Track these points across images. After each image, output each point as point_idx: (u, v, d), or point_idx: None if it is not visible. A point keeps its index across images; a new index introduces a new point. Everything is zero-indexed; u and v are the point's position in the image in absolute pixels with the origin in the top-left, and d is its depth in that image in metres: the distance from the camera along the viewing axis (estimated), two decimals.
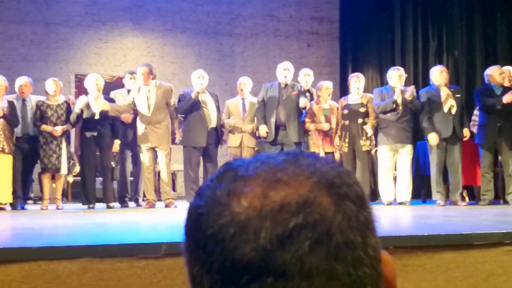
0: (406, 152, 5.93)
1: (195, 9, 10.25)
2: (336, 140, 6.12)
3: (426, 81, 6.80)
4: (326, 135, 6.17)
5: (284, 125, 6.11)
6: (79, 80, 9.40)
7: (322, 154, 5.99)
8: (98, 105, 5.83)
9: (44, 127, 5.88)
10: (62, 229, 3.07)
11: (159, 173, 6.08)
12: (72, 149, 7.52)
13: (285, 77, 6.18)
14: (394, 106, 5.83)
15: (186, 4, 10.21)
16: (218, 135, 6.27)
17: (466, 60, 9.32)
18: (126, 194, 6.28)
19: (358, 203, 0.45)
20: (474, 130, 6.48)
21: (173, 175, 7.69)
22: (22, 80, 6.09)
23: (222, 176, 0.47)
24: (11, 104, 5.78)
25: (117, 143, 6.13)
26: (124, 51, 9.96)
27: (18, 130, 5.92)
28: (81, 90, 8.93)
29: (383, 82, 8.76)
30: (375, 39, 9.90)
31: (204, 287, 0.44)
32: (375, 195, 6.19)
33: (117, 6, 9.91)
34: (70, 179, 8.02)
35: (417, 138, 6.31)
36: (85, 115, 5.99)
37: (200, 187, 0.49)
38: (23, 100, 6.04)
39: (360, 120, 6.03)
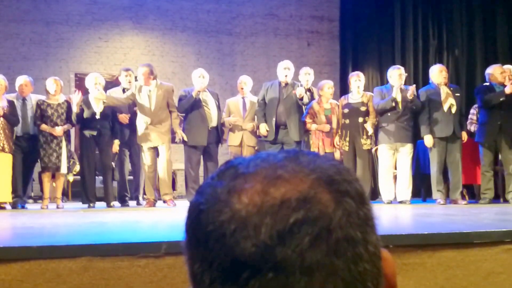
0: (406, 151, 5.93)
1: (195, 8, 10.25)
2: (337, 139, 6.12)
3: (426, 80, 6.79)
4: (327, 135, 6.16)
5: (285, 124, 6.11)
6: (79, 79, 9.41)
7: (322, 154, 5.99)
8: (94, 98, 5.82)
9: (44, 126, 5.88)
10: (62, 228, 3.07)
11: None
12: (72, 148, 7.52)
13: (286, 76, 6.18)
14: (394, 104, 5.83)
15: (186, 3, 10.21)
16: (218, 134, 6.28)
17: (466, 59, 9.32)
18: (126, 194, 6.28)
19: (358, 199, 0.45)
20: (472, 128, 6.49)
21: (173, 174, 7.69)
22: (22, 79, 6.09)
23: (223, 174, 0.47)
24: (11, 103, 5.78)
25: (116, 143, 6.13)
26: (124, 50, 9.96)
27: (18, 129, 5.92)
28: (81, 89, 8.93)
29: (383, 81, 8.76)
30: (375, 38, 9.89)
31: (204, 283, 0.44)
32: (375, 194, 6.20)
33: (117, 5, 9.91)
34: (70, 178, 8.02)
35: (417, 137, 6.31)
36: (85, 115, 5.99)
37: (201, 185, 0.50)
38: (23, 99, 6.04)
39: (360, 119, 6.02)
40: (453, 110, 5.77)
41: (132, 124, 6.21)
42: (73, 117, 5.95)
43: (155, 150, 5.94)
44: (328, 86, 6.18)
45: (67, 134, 6.14)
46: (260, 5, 10.50)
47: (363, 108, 6.06)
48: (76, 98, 5.88)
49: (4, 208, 5.63)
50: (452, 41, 9.53)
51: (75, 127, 6.39)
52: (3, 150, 5.58)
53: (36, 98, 6.11)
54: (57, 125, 5.94)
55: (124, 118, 6.15)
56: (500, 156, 6.08)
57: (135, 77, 6.33)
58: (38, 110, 5.94)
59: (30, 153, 5.99)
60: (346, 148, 6.05)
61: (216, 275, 0.43)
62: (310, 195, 0.43)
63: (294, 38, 10.65)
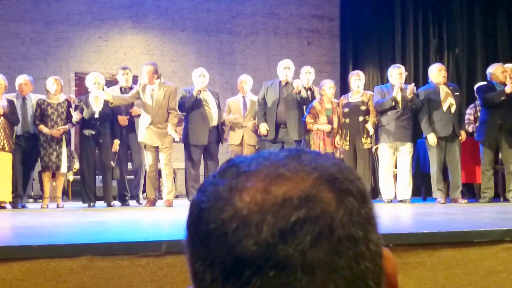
0: (406, 150, 5.93)
1: (195, 7, 10.24)
2: (337, 138, 6.12)
3: (426, 79, 6.79)
4: (327, 135, 6.16)
5: (285, 123, 6.12)
6: (79, 79, 9.41)
7: None
8: (101, 96, 5.84)
9: (42, 127, 5.87)
10: (62, 228, 3.07)
11: (159, 171, 6.06)
12: (73, 148, 7.52)
13: (286, 75, 6.18)
14: (393, 103, 5.83)
15: (186, 2, 10.20)
16: (219, 133, 6.27)
17: (467, 58, 9.32)
18: (126, 193, 6.28)
19: (359, 198, 0.45)
20: (470, 129, 6.50)
21: (174, 173, 7.69)
22: (22, 79, 6.09)
23: (225, 172, 0.47)
24: (11, 102, 5.78)
25: (116, 142, 6.12)
26: (124, 49, 9.95)
27: (18, 129, 5.92)
28: (81, 88, 8.94)
29: (383, 80, 8.76)
30: (376, 37, 9.89)
31: (206, 282, 0.44)
32: (375, 193, 6.20)
33: (117, 4, 9.91)
34: (71, 177, 8.02)
35: (417, 136, 6.31)
36: (85, 114, 6.00)
37: (202, 183, 0.50)
38: (23, 99, 6.04)
39: (361, 118, 6.02)
40: (453, 109, 5.76)
41: (131, 124, 6.21)
42: (74, 120, 5.98)
43: (157, 150, 5.91)
44: (330, 85, 6.16)
45: (67, 133, 6.14)
46: (260, 4, 10.50)
47: (363, 107, 6.05)
48: (75, 116, 5.92)
49: (4, 207, 5.63)
50: (452, 40, 9.53)
51: (75, 126, 6.39)
52: (3, 149, 5.58)
53: (36, 97, 6.11)
54: (57, 124, 5.95)
55: (123, 120, 6.15)
56: (500, 155, 6.08)
57: (133, 76, 6.33)
58: (38, 109, 5.94)
59: (30, 152, 5.99)
60: (347, 147, 6.05)
61: (217, 273, 0.43)
62: (312, 194, 0.43)
63: (294, 37, 10.64)
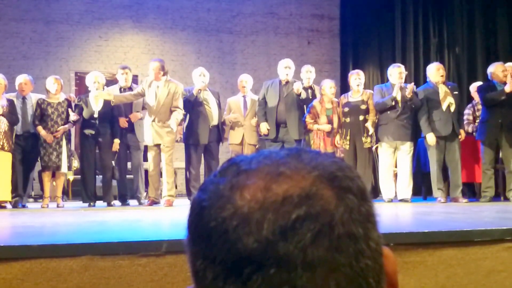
0: (406, 149, 5.93)
1: (195, 6, 10.24)
2: (337, 137, 6.12)
3: (426, 78, 6.78)
4: (327, 135, 6.15)
5: (285, 122, 6.12)
6: (79, 78, 9.41)
7: None
8: (101, 96, 5.83)
9: (39, 129, 5.86)
10: (62, 227, 3.07)
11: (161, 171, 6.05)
12: (73, 147, 7.53)
13: (287, 75, 6.18)
14: (393, 103, 5.82)
15: (186, 1, 10.20)
16: (219, 132, 6.28)
17: (467, 57, 9.32)
18: (126, 193, 6.27)
19: (359, 196, 0.46)
20: (470, 129, 6.49)
21: (174, 173, 7.68)
22: (22, 78, 6.09)
23: (225, 171, 0.48)
24: (10, 102, 5.78)
25: (116, 142, 6.12)
26: (124, 49, 9.95)
27: (18, 128, 5.92)
28: (81, 88, 8.94)
29: (383, 79, 8.75)
30: (376, 36, 9.89)
31: (207, 280, 0.44)
32: (376, 192, 6.19)
33: (117, 3, 9.91)
34: (71, 177, 8.02)
35: (417, 135, 6.31)
36: (84, 114, 6.00)
37: (203, 182, 0.50)
38: (23, 98, 6.04)
39: (361, 117, 6.02)
40: (452, 108, 5.76)
41: (130, 124, 6.20)
42: (71, 119, 5.98)
43: (158, 149, 5.87)
44: (330, 85, 6.15)
45: (67, 133, 6.14)
46: (261, 3, 10.50)
47: (363, 107, 6.05)
48: (73, 117, 5.93)
49: (4, 207, 5.63)
50: (452, 39, 9.52)
51: (75, 126, 6.40)
52: (2, 148, 5.57)
53: (36, 97, 6.11)
54: (57, 124, 5.95)
55: (124, 122, 6.14)
56: (501, 154, 6.07)
57: (133, 75, 6.32)
58: (38, 109, 5.94)
59: (30, 152, 5.99)
60: (347, 147, 6.05)
61: (218, 271, 0.43)
62: (312, 192, 0.43)
63: (294, 36, 10.64)
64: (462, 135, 5.92)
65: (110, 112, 6.07)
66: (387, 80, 6.21)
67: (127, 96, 5.98)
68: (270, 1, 10.56)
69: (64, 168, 6.04)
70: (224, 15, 10.37)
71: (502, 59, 7.11)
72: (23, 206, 5.93)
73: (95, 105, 5.96)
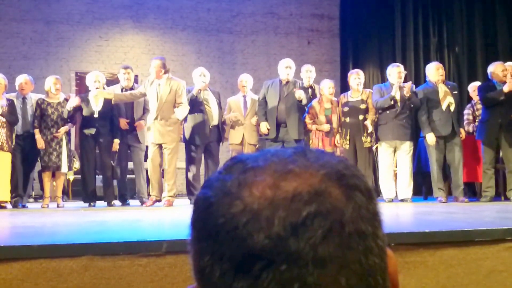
0: (405, 149, 5.92)
1: (195, 6, 10.24)
2: (337, 137, 6.11)
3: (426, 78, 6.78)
4: (326, 135, 6.15)
5: (285, 122, 6.11)
6: (80, 78, 9.41)
7: None
8: (101, 94, 5.82)
9: (36, 132, 5.85)
10: (63, 227, 3.07)
11: (163, 170, 6.03)
12: (73, 147, 7.52)
13: (287, 74, 6.18)
14: (392, 102, 5.82)
15: (186, 1, 10.20)
16: (219, 132, 6.27)
17: (467, 56, 9.32)
18: (126, 193, 6.27)
19: (367, 194, 0.46)
20: (470, 129, 6.49)
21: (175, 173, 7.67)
22: (22, 78, 6.09)
23: (230, 168, 0.48)
24: (10, 102, 5.78)
25: (116, 142, 6.11)
26: (125, 49, 9.96)
27: (18, 128, 5.92)
28: (81, 88, 8.94)
29: (383, 78, 8.74)
30: (376, 36, 9.88)
31: (214, 276, 0.44)
32: (376, 192, 6.19)
33: (118, 4, 9.91)
34: (71, 177, 8.02)
35: (417, 135, 6.30)
36: (84, 113, 5.99)
37: (207, 179, 0.50)
38: (23, 98, 6.04)
39: (360, 117, 6.01)
40: (452, 108, 5.76)
41: (132, 124, 6.20)
42: (65, 112, 5.95)
43: (161, 147, 5.85)
44: (329, 85, 6.16)
45: (67, 133, 6.14)
46: (260, 3, 10.50)
47: (362, 106, 6.05)
48: (73, 102, 5.89)
49: (4, 207, 5.63)
50: (452, 39, 9.52)
51: (75, 125, 6.39)
52: (2, 148, 5.57)
53: (36, 97, 6.11)
54: (57, 124, 5.95)
55: (124, 124, 6.13)
56: (501, 154, 6.07)
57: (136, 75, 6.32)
58: (38, 109, 5.93)
59: (30, 152, 5.99)
60: (347, 147, 6.05)
61: (227, 267, 0.43)
62: (321, 189, 0.44)
63: (294, 36, 10.64)
64: (463, 134, 5.92)
65: (110, 112, 6.06)
66: (387, 80, 6.21)
67: (127, 95, 5.97)
68: (270, 1, 10.56)
69: (64, 168, 6.04)
70: (224, 15, 10.37)
71: (502, 59, 7.11)
72: (23, 206, 5.93)
73: (95, 104, 5.96)
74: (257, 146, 6.48)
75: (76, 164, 7.65)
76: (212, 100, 6.20)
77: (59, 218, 3.97)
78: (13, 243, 1.78)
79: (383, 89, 6.03)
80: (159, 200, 5.86)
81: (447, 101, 5.75)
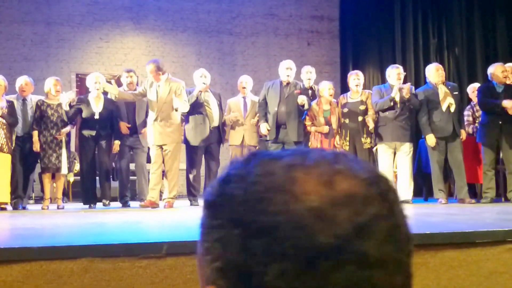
0: (405, 150, 5.91)
1: (195, 8, 10.25)
2: (337, 138, 6.11)
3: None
4: (325, 137, 6.15)
5: (285, 123, 6.10)
6: (80, 80, 9.41)
7: None
8: (106, 87, 5.82)
9: (34, 134, 5.83)
10: (63, 229, 3.07)
11: (163, 172, 6.01)
12: (73, 148, 7.52)
13: (288, 76, 6.17)
14: (392, 104, 5.82)
15: (186, 3, 10.20)
16: (220, 134, 6.27)
17: (467, 57, 9.32)
18: (126, 194, 6.26)
19: (399, 200, 0.49)
20: (470, 130, 6.48)
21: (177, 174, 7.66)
22: (22, 80, 6.09)
23: (264, 164, 0.47)
24: (10, 103, 5.78)
25: (117, 143, 6.10)
26: (125, 50, 9.96)
27: (18, 130, 5.91)
28: (82, 89, 8.94)
29: (384, 80, 8.71)
30: (376, 37, 9.88)
31: (267, 275, 0.42)
32: None
33: (118, 5, 9.91)
34: (71, 178, 8.02)
35: (418, 136, 6.29)
36: (84, 115, 5.98)
37: (227, 173, 0.49)
38: (24, 100, 6.04)
39: (360, 118, 6.01)
40: (452, 109, 5.75)
41: (135, 127, 6.18)
42: (64, 115, 5.95)
43: (161, 149, 5.82)
44: (328, 87, 6.16)
45: (67, 134, 6.13)
46: (261, 5, 10.50)
47: (362, 107, 6.05)
48: (64, 97, 5.88)
49: (4, 209, 5.63)
50: (452, 40, 9.52)
51: (75, 127, 6.39)
52: (1, 150, 5.57)
53: (36, 98, 6.11)
54: (57, 125, 5.94)
55: (125, 129, 6.12)
56: (501, 155, 6.07)
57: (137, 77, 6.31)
58: (38, 110, 5.92)
59: (30, 153, 5.98)
60: (347, 148, 6.04)
61: (288, 266, 0.42)
62: (373, 192, 0.45)
63: (294, 37, 10.64)
64: (463, 135, 5.91)
65: (111, 114, 6.06)
66: (387, 81, 6.21)
67: (129, 94, 5.98)
68: (269, 3, 10.56)
69: (64, 169, 6.03)
70: (224, 16, 10.37)
71: (502, 60, 7.11)
72: (23, 208, 5.92)
73: (96, 106, 5.95)
74: (257, 147, 6.48)
75: (77, 166, 7.64)
76: (213, 102, 6.20)
77: (59, 220, 3.97)
78: (13, 245, 1.78)
79: (383, 90, 6.03)
80: (156, 205, 5.73)
81: (447, 102, 5.75)
